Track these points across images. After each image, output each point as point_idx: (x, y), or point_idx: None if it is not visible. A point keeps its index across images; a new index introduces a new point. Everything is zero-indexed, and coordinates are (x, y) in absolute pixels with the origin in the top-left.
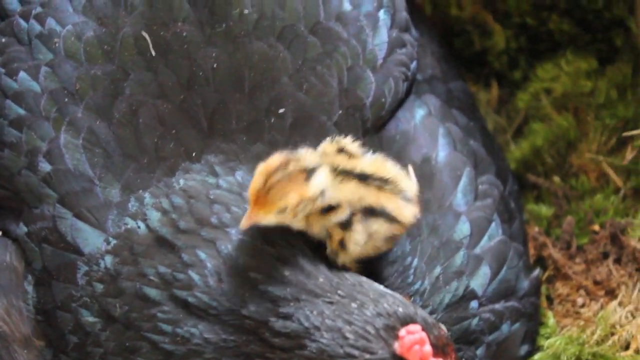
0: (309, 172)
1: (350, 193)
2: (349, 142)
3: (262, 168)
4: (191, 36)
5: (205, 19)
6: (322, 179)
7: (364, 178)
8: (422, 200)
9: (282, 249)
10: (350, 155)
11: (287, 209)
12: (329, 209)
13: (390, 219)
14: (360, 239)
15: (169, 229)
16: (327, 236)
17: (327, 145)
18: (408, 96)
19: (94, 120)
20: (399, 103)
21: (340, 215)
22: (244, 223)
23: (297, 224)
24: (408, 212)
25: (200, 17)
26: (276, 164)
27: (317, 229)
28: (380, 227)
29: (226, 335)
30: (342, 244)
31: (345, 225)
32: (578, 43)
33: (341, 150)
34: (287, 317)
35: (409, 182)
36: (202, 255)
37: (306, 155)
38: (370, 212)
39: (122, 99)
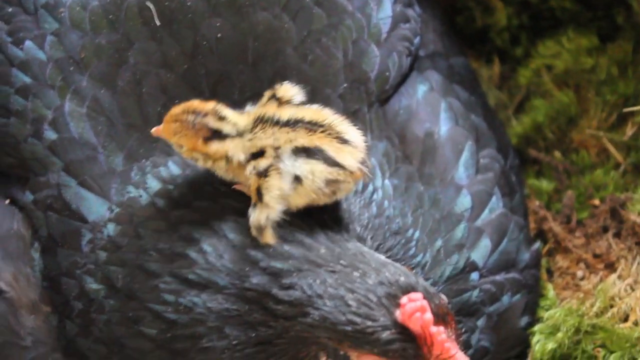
0: (214, 133)
1: (273, 138)
2: (286, 89)
3: (187, 103)
4: (196, 6)
5: None
6: (223, 147)
7: (293, 123)
8: (422, 173)
9: (278, 228)
10: (281, 103)
11: (182, 149)
12: (256, 157)
13: (328, 160)
14: (277, 185)
15: (165, 201)
16: (249, 188)
17: (265, 96)
18: (411, 71)
19: (99, 89)
20: (403, 78)
21: (260, 164)
22: (154, 131)
23: (220, 172)
24: (350, 155)
25: None
26: (195, 107)
27: (240, 177)
28: (315, 168)
29: (229, 304)
30: (259, 193)
31: (262, 173)
32: (579, 20)
33: (274, 98)
34: (289, 287)
35: (350, 128)
36: (197, 234)
37: (219, 119)
38: (304, 152)
39: (126, 68)
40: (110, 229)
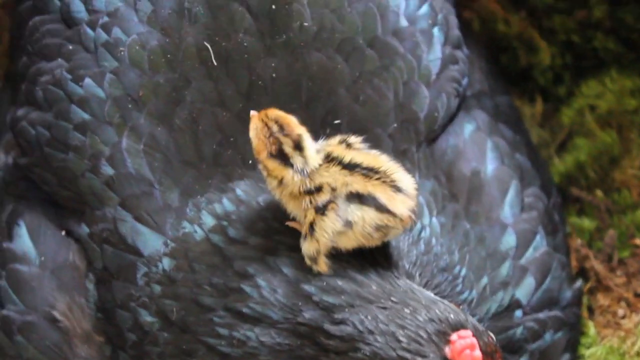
0: (281, 154)
1: (333, 178)
2: (356, 139)
3: (283, 114)
4: (252, 46)
5: (266, 29)
6: (281, 171)
7: (351, 167)
8: (469, 211)
9: (331, 262)
10: (349, 147)
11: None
12: (312, 192)
13: (380, 208)
14: (331, 227)
15: (220, 237)
16: (301, 218)
17: (336, 138)
18: (459, 111)
19: (155, 126)
20: (451, 118)
21: (319, 199)
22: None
23: (271, 188)
24: (402, 204)
25: (261, 28)
26: (287, 122)
27: (289, 204)
28: (366, 214)
29: (281, 339)
30: (312, 228)
31: (320, 209)
32: (623, 61)
33: (344, 143)
34: (341, 322)
35: (404, 176)
36: (251, 270)
37: (295, 149)
38: (357, 198)
39: (183, 106)
40: (166, 263)
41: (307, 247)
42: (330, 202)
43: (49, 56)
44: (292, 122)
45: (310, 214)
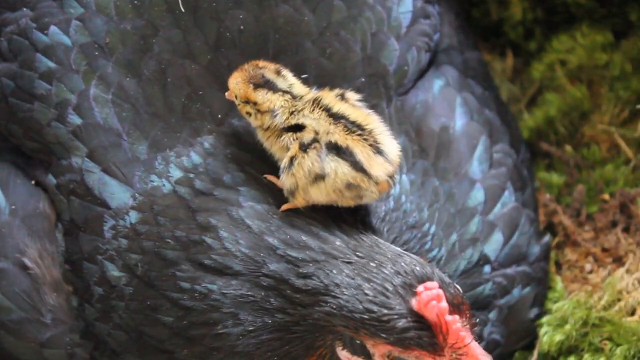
0: (264, 83)
1: (317, 122)
2: (354, 95)
3: (257, 61)
4: None
5: None
6: (270, 98)
7: (337, 117)
8: (438, 167)
9: (294, 218)
10: (344, 100)
11: (237, 102)
12: (295, 128)
13: (355, 165)
14: (309, 166)
15: (186, 189)
16: (284, 150)
17: (335, 90)
18: (429, 67)
19: (124, 77)
20: (421, 73)
21: (304, 136)
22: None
23: (261, 134)
24: (380, 166)
25: None
26: (261, 63)
27: (274, 145)
28: (339, 168)
29: (244, 290)
30: (291, 163)
31: (304, 146)
32: (594, 16)
33: (340, 96)
34: (307, 276)
35: (390, 141)
36: (214, 221)
37: (276, 74)
38: (335, 149)
39: (150, 56)
40: (133, 216)
41: (285, 181)
42: (315, 141)
43: (13, 6)
44: (265, 62)
45: (294, 149)
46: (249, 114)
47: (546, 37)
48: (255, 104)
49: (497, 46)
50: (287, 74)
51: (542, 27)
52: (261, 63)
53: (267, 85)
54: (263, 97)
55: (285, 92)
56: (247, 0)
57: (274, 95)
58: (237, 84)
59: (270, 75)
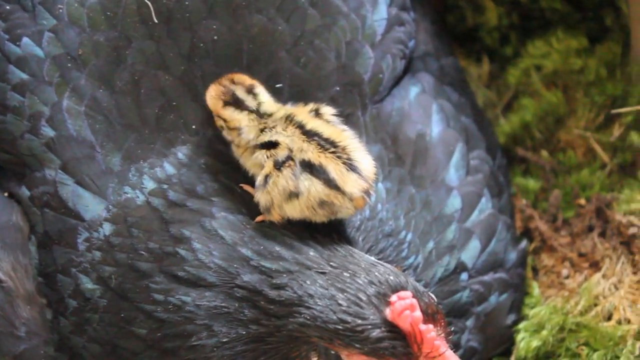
0: (233, 102)
1: (290, 139)
2: (329, 110)
3: (234, 74)
4: (193, 5)
5: None
6: (237, 117)
7: (310, 134)
8: (414, 175)
9: (267, 228)
10: (319, 116)
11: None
12: (269, 145)
13: (329, 182)
14: (283, 184)
15: (159, 200)
16: (259, 167)
17: (309, 106)
18: (405, 74)
19: (97, 88)
20: (396, 81)
21: (279, 153)
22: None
23: (236, 151)
24: (354, 183)
25: None
26: (237, 77)
27: (248, 162)
28: (313, 186)
29: (218, 302)
30: (266, 181)
31: (279, 164)
32: (569, 21)
33: (314, 112)
34: (280, 287)
35: (364, 157)
36: (187, 233)
37: (248, 92)
38: (308, 167)
39: (124, 67)
40: (106, 228)
41: (260, 198)
42: (289, 158)
43: None
44: (242, 76)
45: (268, 166)
46: (222, 127)
47: (522, 42)
48: (225, 120)
49: (473, 52)
50: (260, 91)
51: (518, 32)
52: (237, 78)
53: (235, 103)
54: (230, 115)
55: (251, 111)
56: (220, 10)
57: (240, 115)
58: (210, 98)
59: (240, 93)
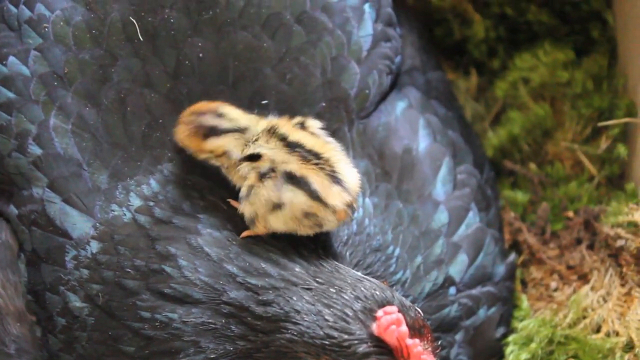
0: (210, 132)
1: (273, 152)
2: (315, 124)
3: (194, 105)
4: (178, 23)
5: (192, 5)
6: (220, 143)
7: (293, 146)
8: (401, 190)
9: (253, 245)
10: (304, 129)
11: (192, 152)
12: (252, 158)
13: (312, 194)
14: (266, 195)
15: (146, 217)
16: (243, 179)
17: (295, 119)
18: (392, 89)
19: (84, 106)
20: (383, 96)
21: (261, 165)
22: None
23: (226, 171)
24: (337, 195)
25: (187, 3)
26: (198, 108)
27: (234, 175)
28: (295, 198)
29: (205, 318)
30: (249, 192)
31: (262, 175)
32: (556, 34)
33: (300, 124)
34: (267, 303)
35: (348, 170)
36: (173, 249)
37: (217, 117)
38: (291, 179)
39: (110, 86)
40: (94, 246)
41: (244, 210)
42: (272, 170)
43: None
44: (202, 105)
45: (251, 178)
46: (209, 159)
47: (509, 55)
48: (211, 152)
49: (460, 65)
50: (228, 110)
51: (505, 45)
52: (198, 108)
53: (213, 132)
54: (214, 144)
55: (230, 131)
56: (205, 28)
57: (224, 139)
58: (185, 139)
59: (211, 121)
